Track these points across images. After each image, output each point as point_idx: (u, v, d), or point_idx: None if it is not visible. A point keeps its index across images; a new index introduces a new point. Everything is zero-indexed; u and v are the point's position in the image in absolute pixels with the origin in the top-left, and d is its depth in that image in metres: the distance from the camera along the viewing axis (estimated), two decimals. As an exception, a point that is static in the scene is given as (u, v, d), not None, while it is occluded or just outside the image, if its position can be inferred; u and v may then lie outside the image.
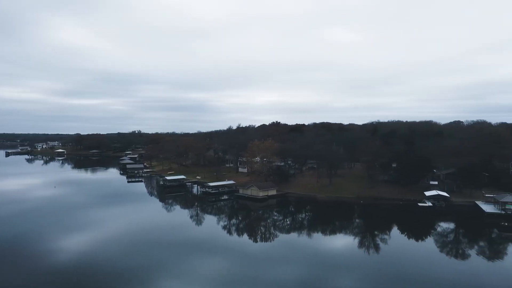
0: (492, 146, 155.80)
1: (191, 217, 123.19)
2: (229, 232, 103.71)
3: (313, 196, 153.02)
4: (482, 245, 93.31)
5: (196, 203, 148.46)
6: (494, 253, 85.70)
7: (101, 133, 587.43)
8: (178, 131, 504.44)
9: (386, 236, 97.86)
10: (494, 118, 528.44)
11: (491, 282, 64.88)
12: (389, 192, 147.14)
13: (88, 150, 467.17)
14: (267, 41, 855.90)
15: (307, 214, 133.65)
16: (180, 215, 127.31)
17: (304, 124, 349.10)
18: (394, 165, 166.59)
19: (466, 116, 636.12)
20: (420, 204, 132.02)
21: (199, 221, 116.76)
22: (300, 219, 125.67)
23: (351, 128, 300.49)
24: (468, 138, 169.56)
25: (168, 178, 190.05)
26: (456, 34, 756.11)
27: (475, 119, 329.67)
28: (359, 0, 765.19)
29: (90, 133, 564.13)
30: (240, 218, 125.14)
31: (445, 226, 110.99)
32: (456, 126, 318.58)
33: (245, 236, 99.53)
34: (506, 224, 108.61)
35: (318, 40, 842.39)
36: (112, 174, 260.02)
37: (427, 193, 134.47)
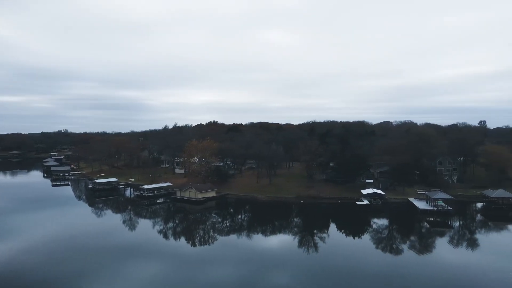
0: (421, 146, 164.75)
1: (124, 221, 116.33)
2: (166, 236, 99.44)
3: (253, 197, 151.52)
4: (413, 239, 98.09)
5: (129, 207, 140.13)
6: (424, 247, 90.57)
7: (23, 132, 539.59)
8: (109, 130, 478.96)
9: (325, 235, 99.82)
10: (419, 119, 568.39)
11: (420, 273, 69.36)
12: (328, 191, 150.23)
13: (7, 151, 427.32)
14: (204, 40, 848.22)
15: (247, 215, 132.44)
16: (112, 220, 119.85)
17: (241, 124, 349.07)
18: (332, 164, 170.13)
19: (394, 117, 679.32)
20: (358, 202, 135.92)
21: (133, 226, 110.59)
22: (240, 220, 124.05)
23: (289, 128, 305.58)
24: (399, 138, 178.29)
25: (98, 181, 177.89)
26: (384, 39, 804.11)
27: (402, 119, 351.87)
28: (294, 3, 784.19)
29: (10, 132, 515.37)
30: (177, 221, 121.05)
31: (381, 223, 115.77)
32: (386, 126, 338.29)
33: (183, 240, 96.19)
34: (436, 219, 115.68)
35: (254, 41, 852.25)
36: (35, 177, 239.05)
37: (364, 192, 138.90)
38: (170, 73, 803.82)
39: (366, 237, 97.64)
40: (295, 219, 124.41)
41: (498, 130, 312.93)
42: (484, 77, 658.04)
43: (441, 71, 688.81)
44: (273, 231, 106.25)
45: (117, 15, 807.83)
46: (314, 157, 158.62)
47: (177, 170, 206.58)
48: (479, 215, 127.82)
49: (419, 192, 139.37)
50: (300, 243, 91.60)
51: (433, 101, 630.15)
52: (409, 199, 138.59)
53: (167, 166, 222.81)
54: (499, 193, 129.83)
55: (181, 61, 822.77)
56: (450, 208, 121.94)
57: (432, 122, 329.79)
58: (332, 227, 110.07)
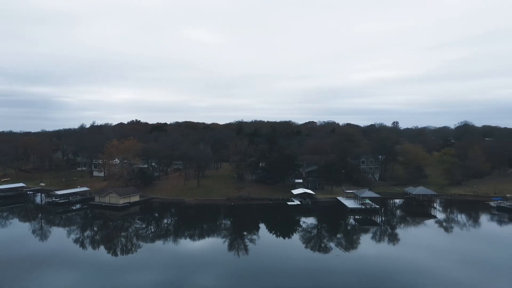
0: (346, 145, 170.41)
1: (33, 231, 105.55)
2: (83, 245, 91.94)
3: (180, 200, 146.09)
4: (340, 237, 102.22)
5: (40, 215, 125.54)
6: (350, 243, 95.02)
7: None
8: (16, 129, 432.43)
9: (255, 237, 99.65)
10: (340, 120, 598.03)
11: (344, 267, 74.85)
12: (258, 192, 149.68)
13: None
14: (125, 35, 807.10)
15: (174, 219, 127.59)
16: (19, 229, 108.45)
17: (166, 123, 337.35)
18: (262, 164, 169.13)
19: (317, 117, 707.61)
20: (289, 203, 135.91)
21: (44, 236, 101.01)
22: (166, 225, 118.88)
23: (216, 127, 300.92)
24: (325, 137, 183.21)
25: (1, 187, 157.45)
26: (306, 42, 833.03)
27: (326, 120, 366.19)
28: (221, 2, 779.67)
29: None
30: (96, 229, 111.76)
31: (311, 222, 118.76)
32: (311, 126, 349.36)
33: (102, 249, 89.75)
34: (364, 217, 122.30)
35: (178, 39, 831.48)
36: None
37: (295, 192, 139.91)
38: (88, 69, 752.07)
39: (296, 237, 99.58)
40: (225, 221, 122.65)
41: (407, 131, 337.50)
42: (394, 81, 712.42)
43: (358, 75, 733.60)
44: (202, 235, 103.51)
45: (31, 4, 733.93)
46: (244, 157, 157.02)
47: (95, 173, 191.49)
48: (402, 211, 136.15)
49: (347, 191, 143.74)
50: (230, 246, 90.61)
51: (351, 103, 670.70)
52: (338, 198, 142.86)
53: (84, 168, 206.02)
54: (420, 190, 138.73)
55: (101, 56, 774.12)
56: (377, 206, 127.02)
57: (352, 122, 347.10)
58: (263, 228, 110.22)
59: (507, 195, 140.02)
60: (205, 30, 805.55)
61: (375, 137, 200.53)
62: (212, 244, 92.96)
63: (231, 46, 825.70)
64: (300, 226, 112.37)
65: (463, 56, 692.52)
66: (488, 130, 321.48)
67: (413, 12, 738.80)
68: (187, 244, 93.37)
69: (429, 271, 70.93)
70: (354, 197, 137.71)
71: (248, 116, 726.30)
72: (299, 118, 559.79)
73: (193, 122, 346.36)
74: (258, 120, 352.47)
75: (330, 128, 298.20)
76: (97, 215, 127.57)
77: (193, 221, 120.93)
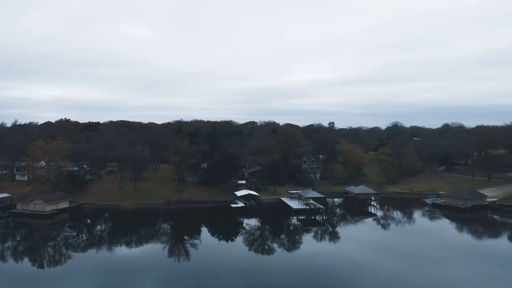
0: (289, 145, 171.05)
1: None
2: (3, 258, 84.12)
3: (116, 205, 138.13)
4: (284, 237, 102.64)
5: None
6: (293, 243, 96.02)
7: None
8: None
9: (197, 241, 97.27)
10: (280, 120, 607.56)
11: (285, 266, 77.02)
12: (200, 195, 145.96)
13: None
14: (52, 28, 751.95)
15: (109, 226, 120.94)
16: None
17: (99, 123, 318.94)
18: (204, 165, 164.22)
19: (257, 117, 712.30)
20: (232, 205, 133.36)
21: None
22: (99, 233, 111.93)
23: (154, 127, 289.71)
24: (267, 137, 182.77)
25: None
26: (245, 42, 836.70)
27: (266, 120, 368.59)
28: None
29: None
30: (18, 239, 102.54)
31: (255, 224, 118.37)
32: (252, 126, 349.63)
33: (26, 261, 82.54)
34: (308, 217, 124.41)
35: (111, 34, 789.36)
36: None
37: (238, 193, 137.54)
38: (9, 63, 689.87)
39: (240, 240, 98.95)
40: (165, 226, 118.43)
41: (343, 131, 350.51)
42: (330, 82, 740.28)
43: (297, 76, 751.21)
44: (140, 241, 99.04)
45: None
46: (185, 158, 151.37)
47: (18, 177, 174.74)
48: (344, 210, 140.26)
49: (290, 192, 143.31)
50: (170, 252, 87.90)
51: (290, 104, 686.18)
52: (282, 198, 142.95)
53: (4, 172, 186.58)
54: (361, 189, 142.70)
55: (24, 50, 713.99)
56: (321, 206, 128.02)
57: (291, 122, 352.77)
58: (205, 232, 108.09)
59: (440, 192, 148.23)
60: (143, 26, 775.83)
61: (316, 137, 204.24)
62: (150, 251, 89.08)
63: (170, 44, 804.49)
64: (244, 228, 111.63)
65: (392, 61, 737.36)
66: (416, 130, 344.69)
67: (348, 18, 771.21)
68: (123, 252, 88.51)
69: (364, 265, 75.68)
70: (298, 197, 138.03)
71: (187, 115, 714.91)
72: (240, 118, 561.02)
73: (129, 122, 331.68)
74: (198, 119, 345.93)
75: (271, 128, 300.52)
76: (20, 224, 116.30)
77: (130, 227, 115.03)
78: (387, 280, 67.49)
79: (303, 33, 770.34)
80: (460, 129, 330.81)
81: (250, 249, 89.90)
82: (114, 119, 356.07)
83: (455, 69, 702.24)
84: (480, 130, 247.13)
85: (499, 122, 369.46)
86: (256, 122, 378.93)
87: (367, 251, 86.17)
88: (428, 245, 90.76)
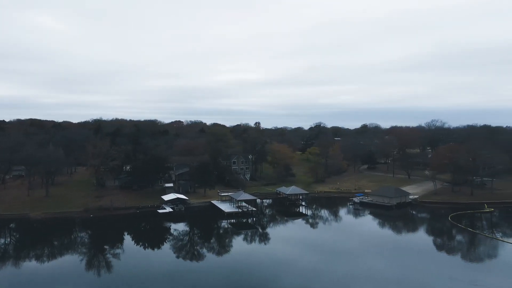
0: (219, 145, 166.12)
1: None
2: None
3: (24, 215, 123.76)
4: (213, 241, 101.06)
5: None
6: (223, 247, 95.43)
7: None
8: None
9: (119, 251, 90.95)
10: (207, 120, 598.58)
11: (213, 268, 77.93)
12: (123, 200, 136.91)
13: None
14: None
15: (14, 239, 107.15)
16: None
17: (4, 121, 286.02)
18: (127, 168, 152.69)
19: (183, 117, 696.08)
20: (160, 210, 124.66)
21: None
22: (3, 246, 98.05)
23: (69, 126, 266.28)
24: (195, 137, 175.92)
25: None
26: (172, 39, 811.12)
27: (193, 119, 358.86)
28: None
29: None
30: None
31: (184, 229, 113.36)
32: (178, 125, 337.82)
33: None
34: (240, 220, 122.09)
35: (20, 25, 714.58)
36: None
37: (165, 197, 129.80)
38: None
39: (167, 247, 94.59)
40: (82, 236, 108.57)
41: (269, 131, 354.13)
42: (254, 84, 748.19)
43: (222, 76, 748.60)
44: (53, 255, 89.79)
45: None
46: (105, 160, 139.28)
47: None
48: (277, 212, 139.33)
49: (222, 194, 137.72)
50: (89, 264, 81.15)
51: (216, 103, 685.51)
52: (212, 201, 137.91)
53: None
54: (293, 189, 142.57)
55: None
56: (254, 209, 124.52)
57: (218, 122, 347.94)
58: (129, 241, 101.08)
59: (366, 191, 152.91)
60: (59, 19, 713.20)
61: (245, 137, 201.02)
62: (65, 264, 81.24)
63: (90, 39, 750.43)
64: (172, 234, 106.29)
65: (314, 64, 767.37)
66: (337, 131, 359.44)
67: (273, 20, 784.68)
68: (31, 267, 79.40)
69: (290, 263, 79.36)
70: (230, 200, 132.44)
71: (107, 114, 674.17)
72: (165, 118, 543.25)
73: (40, 120, 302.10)
74: (120, 118, 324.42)
75: (199, 127, 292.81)
76: None
77: (41, 239, 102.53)
78: (311, 275, 71.91)
79: (229, 33, 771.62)
80: (377, 129, 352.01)
81: (178, 256, 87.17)
82: (23, 117, 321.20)
83: (370, 73, 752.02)
84: (398, 130, 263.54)
85: (412, 123, 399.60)
86: (182, 122, 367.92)
87: (295, 250, 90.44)
88: (352, 241, 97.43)
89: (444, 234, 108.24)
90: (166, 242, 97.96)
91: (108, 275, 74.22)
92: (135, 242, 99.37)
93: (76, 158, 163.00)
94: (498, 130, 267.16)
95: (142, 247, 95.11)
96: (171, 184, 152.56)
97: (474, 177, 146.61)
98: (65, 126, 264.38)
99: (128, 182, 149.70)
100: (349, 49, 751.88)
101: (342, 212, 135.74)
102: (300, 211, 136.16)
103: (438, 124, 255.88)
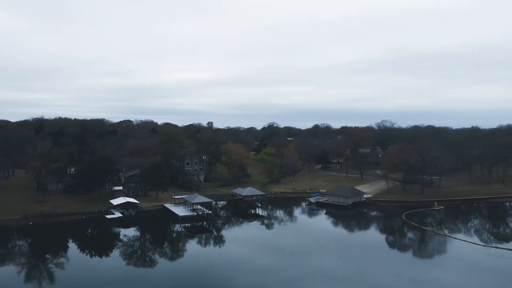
0: (172, 145, 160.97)
1: None
2: None
3: None
4: (166, 247, 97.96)
5: None
6: (176, 252, 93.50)
7: None
8: None
9: (63, 260, 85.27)
10: (158, 119, 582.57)
11: (166, 273, 76.77)
12: (68, 205, 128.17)
13: None
14: None
15: None
16: None
17: None
18: (71, 170, 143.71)
19: (133, 116, 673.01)
20: (108, 216, 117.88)
21: None
22: None
23: (6, 125, 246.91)
24: (147, 137, 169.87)
25: None
26: (121, 36, 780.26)
27: (143, 119, 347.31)
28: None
29: None
30: None
31: (135, 235, 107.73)
32: (127, 125, 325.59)
33: None
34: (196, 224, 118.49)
35: None
36: None
37: (114, 202, 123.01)
38: None
39: (116, 254, 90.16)
40: (21, 246, 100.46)
41: (222, 131, 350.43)
42: (206, 83, 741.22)
43: (173, 75, 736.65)
44: None
45: None
46: (47, 162, 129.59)
47: None
48: (233, 214, 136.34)
49: (175, 197, 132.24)
50: (29, 276, 75.47)
51: (167, 103, 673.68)
52: (165, 205, 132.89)
53: None
54: (249, 191, 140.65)
55: None
56: (209, 212, 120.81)
57: (170, 122, 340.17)
58: (74, 249, 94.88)
59: (321, 191, 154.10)
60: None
61: (199, 137, 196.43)
62: (0, 277, 75.10)
63: (33, 33, 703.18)
64: (121, 241, 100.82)
65: (266, 65, 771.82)
66: (290, 131, 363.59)
67: (227, 20, 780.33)
68: None
69: (244, 263, 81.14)
70: (184, 203, 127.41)
71: (49, 113, 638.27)
72: (113, 117, 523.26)
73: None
74: (64, 117, 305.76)
75: (149, 127, 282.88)
76: None
77: None
78: (265, 274, 73.61)
79: (181, 31, 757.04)
80: (328, 129, 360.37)
81: (128, 263, 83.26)
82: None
83: (320, 75, 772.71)
84: (349, 130, 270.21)
85: (362, 124, 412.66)
86: (132, 121, 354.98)
87: (250, 251, 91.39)
88: (307, 241, 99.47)
89: (396, 232, 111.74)
90: (115, 249, 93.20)
91: (50, 286, 69.64)
92: (80, 250, 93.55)
93: (14, 160, 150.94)
94: (442, 131, 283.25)
95: (88, 255, 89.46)
96: (121, 187, 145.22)
97: (424, 176, 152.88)
98: (2, 125, 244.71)
99: (73, 186, 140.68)
100: (300, 51, 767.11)
101: (298, 212, 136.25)
102: (257, 212, 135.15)
103: (388, 124, 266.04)
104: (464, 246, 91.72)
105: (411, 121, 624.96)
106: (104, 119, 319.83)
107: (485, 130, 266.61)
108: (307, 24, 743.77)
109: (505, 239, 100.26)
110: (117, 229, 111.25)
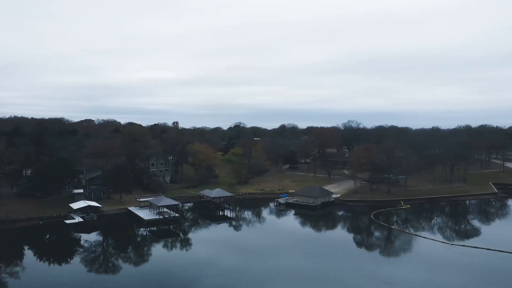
0: (136, 146, 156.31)
1: None
2: None
3: None
4: (130, 251, 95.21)
5: None
6: (141, 256, 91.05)
7: None
8: None
9: (18, 269, 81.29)
10: (121, 119, 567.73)
11: (132, 283, 73.06)
12: (23, 210, 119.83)
13: None
14: None
15: None
16: None
17: None
18: (27, 172, 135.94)
19: (94, 116, 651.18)
20: (67, 221, 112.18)
21: None
22: None
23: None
24: (109, 137, 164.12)
25: None
26: (82, 33, 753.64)
27: (105, 118, 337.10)
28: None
29: None
30: None
31: (97, 240, 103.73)
32: (89, 124, 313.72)
33: None
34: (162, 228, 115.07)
35: None
36: None
37: (74, 205, 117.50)
38: None
39: (77, 260, 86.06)
40: None
41: (188, 131, 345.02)
42: (170, 82, 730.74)
43: (137, 74, 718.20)
44: None
45: None
46: (0, 164, 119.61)
47: None
48: (201, 216, 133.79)
49: (140, 200, 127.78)
50: None
51: (130, 102, 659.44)
52: (129, 208, 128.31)
53: None
54: (217, 192, 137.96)
55: None
56: (176, 215, 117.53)
57: (134, 122, 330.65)
58: (31, 257, 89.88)
59: (290, 191, 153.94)
60: None
61: (165, 138, 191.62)
62: None
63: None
64: (82, 247, 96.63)
65: (230, 64, 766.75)
66: (256, 131, 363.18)
67: (192, 19, 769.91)
68: None
69: (210, 264, 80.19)
70: (150, 206, 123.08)
71: (3, 112, 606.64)
72: (73, 116, 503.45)
73: None
74: (19, 116, 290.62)
75: (112, 127, 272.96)
76: None
77: None
78: (232, 274, 74.30)
79: (145, 30, 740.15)
80: (295, 129, 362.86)
81: (90, 270, 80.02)
82: None
83: (286, 75, 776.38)
84: (315, 130, 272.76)
85: (327, 124, 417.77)
86: (93, 121, 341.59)
87: (218, 252, 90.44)
88: (276, 241, 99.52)
89: (364, 231, 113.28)
90: (75, 256, 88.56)
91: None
92: (37, 257, 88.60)
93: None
94: (405, 131, 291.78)
95: (46, 262, 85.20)
96: (81, 190, 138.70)
97: (390, 176, 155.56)
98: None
99: (29, 189, 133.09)
100: (265, 52, 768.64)
101: (267, 213, 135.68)
102: (225, 214, 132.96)
103: (353, 124, 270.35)
104: (429, 244, 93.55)
105: (375, 121, 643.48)
106: (64, 118, 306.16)
107: (444, 130, 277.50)
108: (272, 25, 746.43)
109: (466, 236, 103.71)
110: (77, 235, 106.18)
